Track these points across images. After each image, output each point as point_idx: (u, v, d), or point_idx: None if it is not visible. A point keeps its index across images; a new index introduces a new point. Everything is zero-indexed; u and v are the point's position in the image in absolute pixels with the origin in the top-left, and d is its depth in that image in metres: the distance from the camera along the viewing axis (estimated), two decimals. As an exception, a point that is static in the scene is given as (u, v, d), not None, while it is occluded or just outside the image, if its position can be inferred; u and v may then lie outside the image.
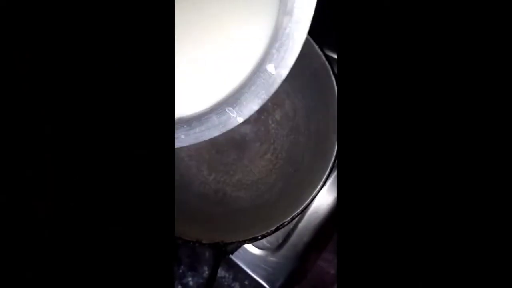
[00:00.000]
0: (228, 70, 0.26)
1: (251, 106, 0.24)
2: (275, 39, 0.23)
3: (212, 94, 0.26)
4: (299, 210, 0.36)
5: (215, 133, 0.26)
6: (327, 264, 0.56)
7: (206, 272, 0.43)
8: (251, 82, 0.24)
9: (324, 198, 0.46)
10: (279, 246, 0.44)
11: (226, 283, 0.47)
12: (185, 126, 0.26)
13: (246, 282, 0.46)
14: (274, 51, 0.22)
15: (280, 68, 0.22)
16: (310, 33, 0.37)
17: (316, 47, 0.37)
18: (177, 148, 0.26)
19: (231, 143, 0.46)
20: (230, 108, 0.24)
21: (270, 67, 0.22)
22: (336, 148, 0.37)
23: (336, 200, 0.46)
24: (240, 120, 0.25)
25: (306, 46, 0.37)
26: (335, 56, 0.43)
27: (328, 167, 0.37)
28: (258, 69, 0.23)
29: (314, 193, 0.36)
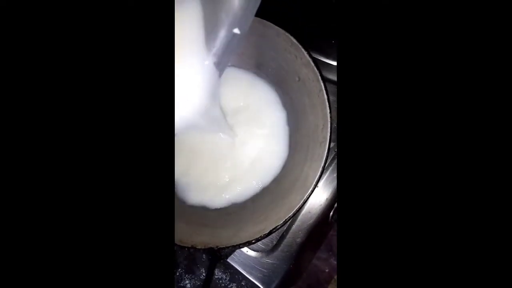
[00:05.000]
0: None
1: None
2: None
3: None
4: (291, 214, 0.36)
5: None
6: (322, 262, 0.57)
7: (203, 274, 0.43)
8: (228, 41, 0.33)
9: (317, 198, 0.46)
10: (274, 248, 0.44)
11: (223, 285, 0.48)
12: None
13: (243, 283, 0.47)
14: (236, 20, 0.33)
15: (242, 30, 0.32)
16: (298, 39, 0.38)
17: (305, 53, 0.37)
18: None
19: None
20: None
21: (236, 30, 0.32)
22: (326, 149, 0.38)
23: (328, 200, 0.47)
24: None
25: (294, 51, 0.38)
26: (322, 59, 0.43)
27: (319, 169, 0.37)
28: (229, 33, 0.33)
29: (306, 196, 0.37)
